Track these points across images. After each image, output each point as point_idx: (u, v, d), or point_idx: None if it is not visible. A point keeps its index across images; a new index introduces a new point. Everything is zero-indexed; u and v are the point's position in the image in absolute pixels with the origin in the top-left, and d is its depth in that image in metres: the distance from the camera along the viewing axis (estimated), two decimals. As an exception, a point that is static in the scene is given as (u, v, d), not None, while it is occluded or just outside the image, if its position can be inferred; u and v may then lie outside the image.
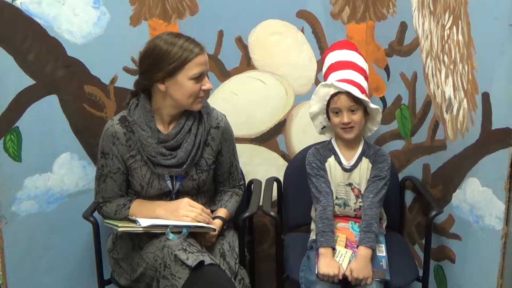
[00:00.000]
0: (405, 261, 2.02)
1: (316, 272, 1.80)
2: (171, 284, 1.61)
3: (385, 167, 1.94)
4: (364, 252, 1.82)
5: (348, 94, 1.85)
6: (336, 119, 1.90)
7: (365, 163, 1.96)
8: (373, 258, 1.84)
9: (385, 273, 1.83)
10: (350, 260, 1.83)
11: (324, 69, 2.05)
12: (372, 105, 1.88)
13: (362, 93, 1.89)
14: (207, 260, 1.65)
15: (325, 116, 1.97)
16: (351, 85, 1.87)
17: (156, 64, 1.73)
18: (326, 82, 1.91)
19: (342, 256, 1.85)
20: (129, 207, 1.84)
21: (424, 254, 2.02)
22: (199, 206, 1.81)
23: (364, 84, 1.94)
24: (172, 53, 1.72)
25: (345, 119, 1.87)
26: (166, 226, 1.71)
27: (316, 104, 1.96)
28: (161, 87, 1.76)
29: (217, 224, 1.85)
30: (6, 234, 1.94)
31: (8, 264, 1.96)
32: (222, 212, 1.92)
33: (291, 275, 1.96)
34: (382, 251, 1.90)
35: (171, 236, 1.69)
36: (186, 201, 1.80)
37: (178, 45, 1.72)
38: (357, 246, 1.85)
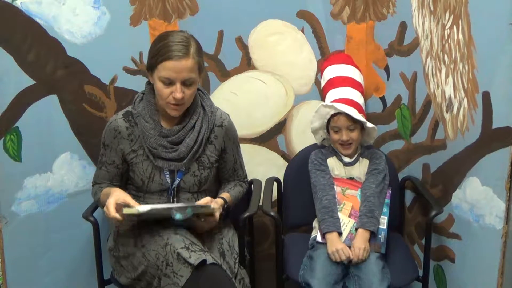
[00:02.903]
0: (405, 261, 2.03)
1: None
2: (173, 282, 1.61)
3: (381, 162, 2.08)
4: (363, 235, 1.90)
5: (347, 114, 1.99)
6: (335, 136, 2.05)
7: (364, 161, 2.10)
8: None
9: (381, 246, 1.91)
10: (350, 230, 1.92)
11: (323, 82, 2.22)
12: (369, 125, 2.03)
13: (360, 112, 2.04)
14: (210, 259, 1.65)
15: (325, 130, 2.12)
16: (350, 105, 2.03)
17: (148, 54, 1.79)
18: (326, 103, 2.06)
19: (345, 225, 1.94)
20: (101, 190, 1.86)
21: (424, 254, 2.03)
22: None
23: (361, 100, 2.13)
24: (155, 48, 1.75)
25: (344, 137, 2.02)
26: (169, 208, 1.68)
27: (317, 121, 2.11)
28: (150, 78, 1.80)
29: (218, 202, 1.83)
30: (6, 234, 1.93)
31: (8, 264, 1.95)
32: (225, 195, 1.91)
33: (291, 275, 1.96)
34: (383, 224, 1.97)
35: (177, 216, 1.65)
36: None
37: (163, 43, 1.73)
38: (357, 229, 1.92)
